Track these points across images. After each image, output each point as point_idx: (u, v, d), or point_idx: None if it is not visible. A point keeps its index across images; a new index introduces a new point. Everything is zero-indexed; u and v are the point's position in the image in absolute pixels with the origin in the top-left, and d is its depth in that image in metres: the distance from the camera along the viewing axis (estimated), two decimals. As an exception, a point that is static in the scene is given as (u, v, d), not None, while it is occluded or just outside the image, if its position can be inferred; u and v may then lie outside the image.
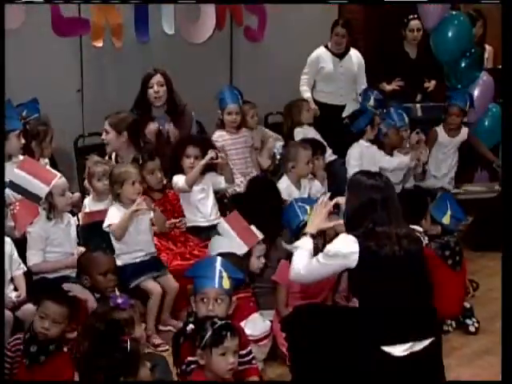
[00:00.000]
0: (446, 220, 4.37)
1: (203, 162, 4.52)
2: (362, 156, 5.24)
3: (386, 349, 3.03)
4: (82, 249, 3.93)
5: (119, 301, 3.07)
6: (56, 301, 3.19)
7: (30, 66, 5.15)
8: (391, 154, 5.36)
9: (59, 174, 3.96)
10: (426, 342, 3.07)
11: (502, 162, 3.71)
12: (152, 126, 4.87)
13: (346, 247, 3.12)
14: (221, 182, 4.68)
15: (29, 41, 5.10)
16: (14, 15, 4.84)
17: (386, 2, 6.39)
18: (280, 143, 5.34)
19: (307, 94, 6.05)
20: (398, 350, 3.03)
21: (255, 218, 4.08)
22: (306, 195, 4.74)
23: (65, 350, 3.17)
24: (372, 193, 3.16)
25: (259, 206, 4.26)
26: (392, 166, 5.24)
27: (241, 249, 3.89)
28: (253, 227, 4.01)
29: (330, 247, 3.18)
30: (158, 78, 4.94)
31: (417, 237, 3.29)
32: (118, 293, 3.17)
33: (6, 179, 3.88)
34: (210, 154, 4.55)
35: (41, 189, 3.85)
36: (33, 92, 4.82)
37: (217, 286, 3.18)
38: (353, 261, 3.09)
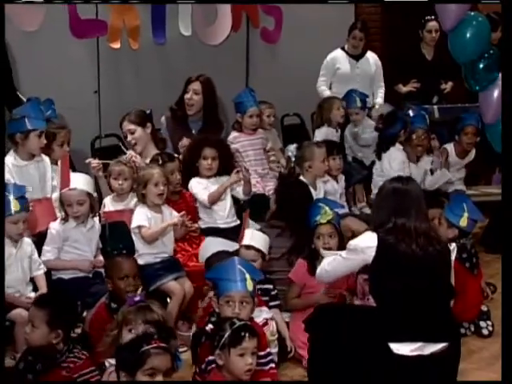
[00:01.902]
0: (463, 222, 4.32)
1: (227, 184, 4.53)
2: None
3: (394, 346, 3.02)
4: (101, 258, 3.93)
5: (136, 299, 3.07)
6: (36, 304, 3.18)
7: (48, 67, 5.17)
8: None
9: (74, 185, 3.90)
10: (439, 346, 3.05)
11: (502, 162, 3.67)
12: (185, 141, 4.87)
13: (364, 241, 3.21)
14: (239, 191, 4.68)
15: (46, 43, 5.13)
16: (32, 17, 4.87)
17: (386, 2, 6.39)
18: (293, 145, 5.33)
19: (327, 93, 6.04)
20: (406, 349, 3.02)
21: (289, 218, 4.11)
22: (321, 195, 4.75)
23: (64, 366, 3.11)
24: (396, 187, 3.28)
25: (294, 206, 4.24)
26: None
27: (232, 246, 3.89)
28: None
29: (351, 242, 3.30)
30: (195, 85, 4.95)
31: (437, 237, 3.27)
32: (139, 292, 3.16)
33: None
34: (234, 177, 4.54)
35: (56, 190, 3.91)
36: (50, 93, 4.84)
37: (241, 288, 3.20)
38: (370, 255, 3.14)
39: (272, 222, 4.29)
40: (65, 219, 3.89)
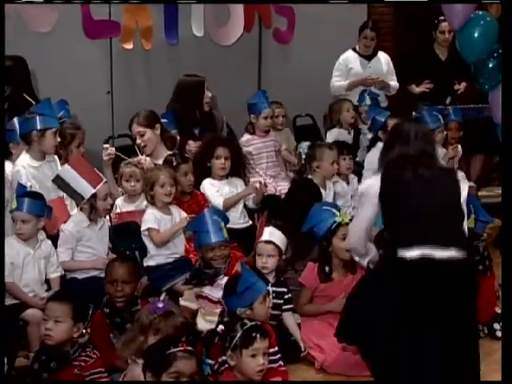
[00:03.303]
0: (470, 223, 4.29)
1: (244, 194, 4.57)
2: None
3: (402, 252, 3.00)
4: (114, 255, 3.93)
5: (159, 305, 3.07)
6: (57, 299, 3.18)
7: (61, 67, 5.20)
8: None
9: (105, 179, 4.00)
10: (449, 253, 3.00)
11: (503, 163, 3.64)
12: (192, 144, 4.88)
13: (366, 183, 3.33)
14: (249, 199, 4.68)
15: (59, 43, 5.15)
16: (45, 18, 4.90)
17: (387, 2, 6.37)
18: (306, 143, 5.33)
19: (343, 83, 6.01)
20: (412, 254, 2.99)
21: (296, 218, 4.11)
22: (331, 196, 4.74)
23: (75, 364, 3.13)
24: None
25: (302, 205, 4.25)
26: None
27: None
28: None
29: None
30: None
31: (435, 162, 3.24)
32: (162, 297, 3.16)
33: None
34: (250, 189, 4.59)
35: (86, 189, 3.88)
36: (63, 94, 4.87)
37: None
38: (376, 191, 3.13)
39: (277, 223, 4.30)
40: (90, 219, 3.89)
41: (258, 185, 4.63)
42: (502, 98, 4.47)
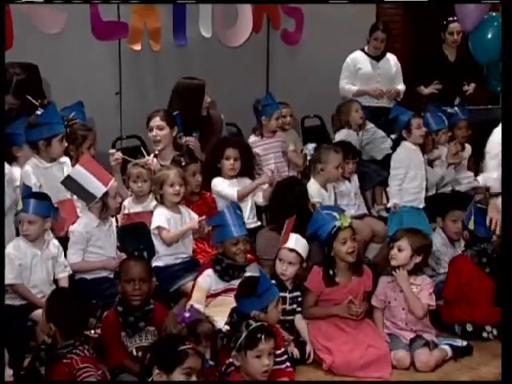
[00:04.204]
0: (471, 225, 4.28)
1: (259, 181, 4.61)
2: None
3: None
4: (123, 254, 3.93)
5: (187, 315, 3.07)
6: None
7: (69, 69, 5.22)
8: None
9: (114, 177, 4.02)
10: None
11: (503, 163, 3.62)
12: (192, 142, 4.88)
13: None
14: (259, 195, 4.68)
15: (68, 45, 5.17)
16: (54, 20, 4.90)
17: (387, 2, 6.36)
18: (312, 145, 5.33)
19: (353, 88, 5.99)
20: None
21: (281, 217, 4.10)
22: (332, 197, 4.75)
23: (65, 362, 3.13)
24: None
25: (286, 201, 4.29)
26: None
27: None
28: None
29: None
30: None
31: None
32: (190, 305, 3.15)
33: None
34: (265, 177, 4.62)
35: (98, 188, 3.89)
36: (72, 95, 4.88)
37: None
38: None
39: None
40: (101, 217, 3.91)
41: (270, 173, 4.65)
42: (503, 98, 4.46)
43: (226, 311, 3.47)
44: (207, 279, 3.76)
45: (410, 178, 4.96)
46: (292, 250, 3.88)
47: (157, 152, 4.56)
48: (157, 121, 4.58)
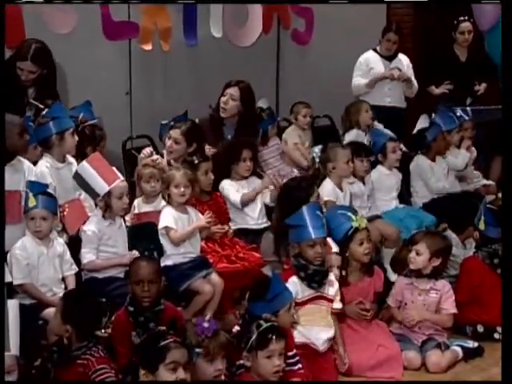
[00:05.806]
0: (481, 226, 4.26)
1: (261, 187, 4.58)
2: None
3: None
4: (135, 252, 3.91)
5: (205, 325, 3.06)
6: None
7: (80, 68, 5.22)
8: (434, 160, 5.29)
9: (122, 177, 3.99)
10: None
11: (502, 163, 3.60)
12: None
13: None
14: (267, 196, 4.67)
15: (79, 44, 5.17)
16: (65, 20, 4.92)
17: (387, 2, 6.33)
18: (318, 147, 5.32)
19: (363, 81, 5.98)
20: None
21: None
22: (347, 197, 4.72)
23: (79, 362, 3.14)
24: None
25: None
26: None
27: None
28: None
29: None
30: (232, 90, 4.90)
31: None
32: (207, 317, 3.16)
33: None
34: (267, 181, 4.60)
35: (101, 187, 3.88)
36: (82, 94, 4.89)
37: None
38: None
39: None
40: (104, 217, 3.89)
41: (271, 176, 4.65)
42: (502, 98, 4.43)
43: (317, 321, 3.51)
44: (293, 286, 3.64)
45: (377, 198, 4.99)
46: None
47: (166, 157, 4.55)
48: (176, 133, 4.53)
